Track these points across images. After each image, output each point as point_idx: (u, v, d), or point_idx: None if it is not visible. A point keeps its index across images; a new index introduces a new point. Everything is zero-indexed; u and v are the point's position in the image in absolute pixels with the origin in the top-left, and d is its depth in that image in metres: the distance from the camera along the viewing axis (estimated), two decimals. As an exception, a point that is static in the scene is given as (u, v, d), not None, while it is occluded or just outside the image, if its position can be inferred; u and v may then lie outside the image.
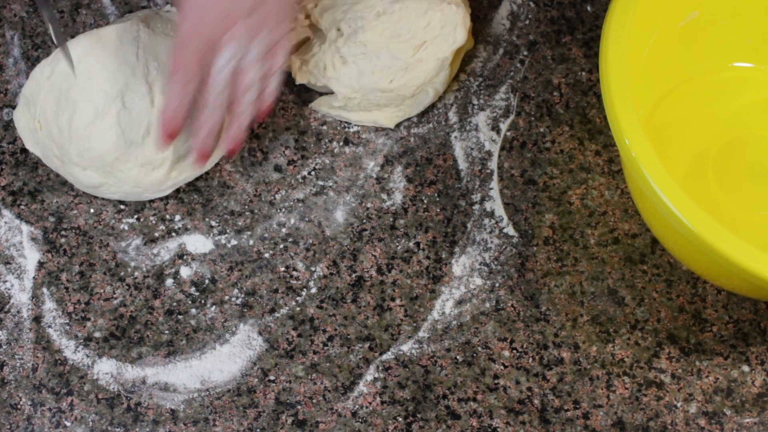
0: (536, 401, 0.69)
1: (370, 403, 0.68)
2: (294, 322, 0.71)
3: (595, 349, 0.71)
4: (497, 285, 0.72)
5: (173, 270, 0.72)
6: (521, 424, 0.68)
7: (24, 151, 0.75)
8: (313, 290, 0.72)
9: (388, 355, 0.70)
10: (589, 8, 0.83)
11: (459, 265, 0.73)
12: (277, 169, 0.76)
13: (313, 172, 0.76)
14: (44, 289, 0.71)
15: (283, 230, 0.74)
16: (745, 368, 0.70)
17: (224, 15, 0.63)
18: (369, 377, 0.69)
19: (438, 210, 0.75)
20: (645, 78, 0.71)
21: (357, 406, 0.68)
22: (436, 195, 0.75)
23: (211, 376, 0.69)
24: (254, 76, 0.67)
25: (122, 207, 0.74)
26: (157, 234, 0.73)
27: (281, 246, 0.73)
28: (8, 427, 0.67)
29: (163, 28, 0.73)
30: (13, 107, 0.77)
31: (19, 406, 0.68)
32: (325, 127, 0.77)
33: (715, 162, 0.75)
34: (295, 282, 0.72)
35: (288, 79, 0.77)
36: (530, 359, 0.70)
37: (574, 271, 0.73)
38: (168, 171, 0.72)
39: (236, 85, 0.66)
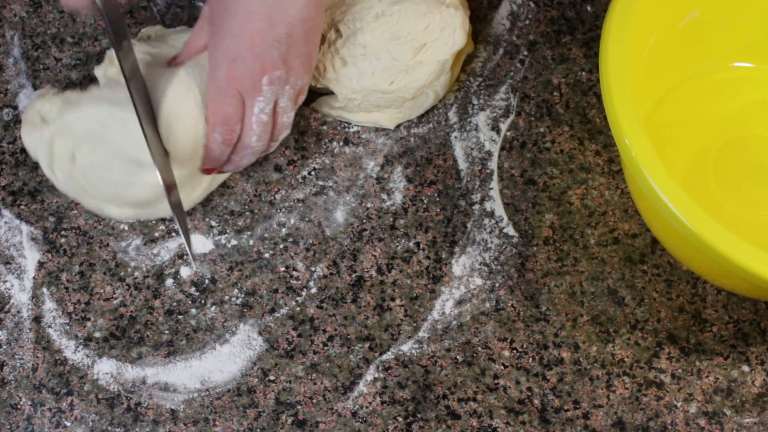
0: (536, 401, 0.69)
1: (370, 403, 0.68)
2: (294, 322, 0.71)
3: (595, 349, 0.71)
4: (497, 285, 0.72)
5: (173, 270, 0.72)
6: (521, 424, 0.68)
7: (24, 151, 0.75)
8: (313, 290, 0.72)
9: (388, 355, 0.70)
10: (589, 8, 0.83)
11: (459, 265, 0.73)
12: (277, 169, 0.76)
13: (313, 172, 0.76)
14: (44, 289, 0.71)
15: (283, 230, 0.74)
16: (745, 368, 0.70)
17: (259, 63, 0.66)
18: (369, 377, 0.69)
19: (438, 210, 0.75)
20: (645, 78, 0.71)
21: (357, 406, 0.68)
22: (436, 195, 0.75)
23: (211, 376, 0.69)
24: (289, 120, 0.71)
25: (122, 207, 0.74)
26: (157, 234, 0.73)
27: (281, 246, 0.73)
28: (8, 427, 0.67)
29: (206, 63, 0.71)
30: (14, 107, 0.77)
31: (19, 406, 0.68)
32: (325, 127, 0.77)
33: (715, 162, 0.75)
34: (295, 282, 0.72)
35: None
36: (530, 359, 0.70)
37: (574, 271, 0.73)
38: (205, 189, 0.72)
39: (274, 130, 0.70)
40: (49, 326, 0.70)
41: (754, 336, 0.71)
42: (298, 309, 0.71)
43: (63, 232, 0.73)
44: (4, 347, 0.69)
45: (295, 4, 0.66)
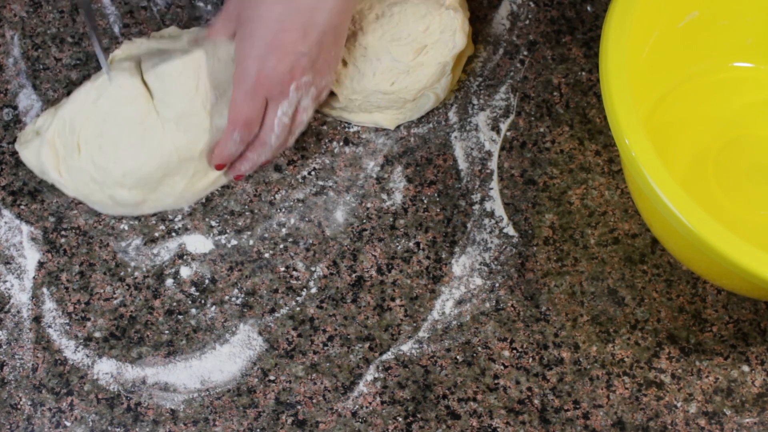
0: (536, 401, 0.69)
1: (370, 403, 0.68)
2: (294, 322, 0.71)
3: (595, 349, 0.71)
4: (497, 285, 0.72)
5: (173, 270, 0.72)
6: (521, 424, 0.68)
7: (24, 151, 0.75)
8: (313, 290, 0.72)
9: (388, 355, 0.70)
10: (589, 8, 0.83)
11: (459, 265, 0.73)
12: (277, 169, 0.76)
13: (313, 172, 0.76)
14: (44, 289, 0.71)
15: (283, 230, 0.74)
16: (745, 368, 0.70)
17: (289, 72, 0.67)
18: (369, 377, 0.69)
19: (438, 210, 0.75)
20: (645, 78, 0.71)
21: (357, 406, 0.68)
22: (436, 195, 0.75)
23: (211, 376, 0.69)
24: (308, 117, 0.72)
25: (122, 207, 0.74)
26: (157, 234, 0.73)
27: (281, 246, 0.73)
28: (8, 427, 0.67)
29: (226, 58, 0.71)
30: (13, 107, 0.77)
31: (19, 406, 0.68)
32: (325, 127, 0.77)
33: (715, 162, 0.75)
34: (295, 282, 0.72)
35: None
36: (530, 359, 0.70)
37: (574, 271, 0.73)
38: (216, 176, 0.72)
39: (293, 126, 0.71)
40: (49, 326, 0.70)
41: (754, 336, 0.71)
42: (298, 309, 0.71)
43: (63, 232, 0.73)
44: (4, 347, 0.69)
45: (327, 13, 0.66)
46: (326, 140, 0.77)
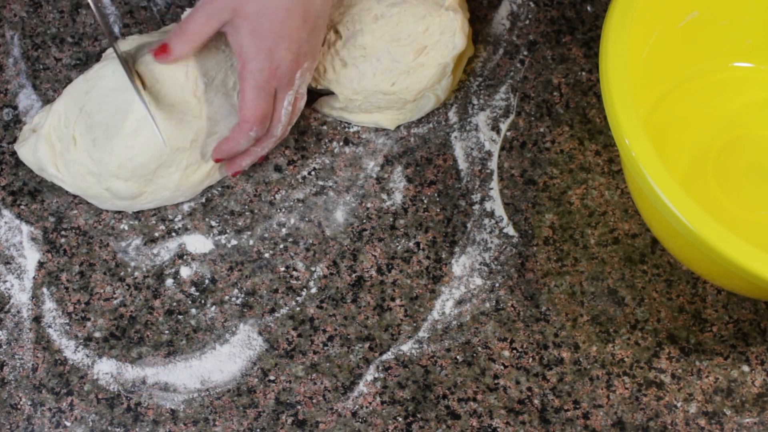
0: (536, 401, 0.69)
1: (370, 403, 0.68)
2: (294, 322, 0.71)
3: (595, 349, 0.71)
4: (497, 285, 0.72)
5: (173, 270, 0.72)
6: (521, 424, 0.68)
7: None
8: (313, 290, 0.72)
9: (388, 355, 0.70)
10: (589, 8, 0.83)
11: (459, 265, 0.73)
12: (277, 169, 0.76)
13: (313, 172, 0.76)
14: (44, 289, 0.71)
15: (283, 230, 0.74)
16: (745, 368, 0.70)
17: (296, 60, 0.68)
18: (369, 377, 0.69)
19: (438, 210, 0.75)
20: (645, 78, 0.71)
21: (357, 406, 0.68)
22: (436, 195, 0.75)
23: (211, 376, 0.69)
24: (304, 104, 0.73)
25: (122, 207, 0.74)
26: (157, 234, 0.73)
27: (281, 246, 0.73)
28: (8, 427, 0.67)
29: (213, 44, 0.71)
30: (13, 107, 0.77)
31: (19, 406, 0.68)
32: (325, 127, 0.77)
33: (715, 162, 0.75)
34: (295, 282, 0.72)
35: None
36: (530, 359, 0.70)
37: (574, 271, 0.73)
38: (210, 168, 0.72)
39: (292, 115, 0.72)
40: (49, 326, 0.70)
41: (754, 336, 0.71)
42: (298, 309, 0.71)
43: (63, 232, 0.73)
44: (4, 347, 0.69)
45: None
46: (326, 140, 0.77)
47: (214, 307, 0.71)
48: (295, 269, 0.73)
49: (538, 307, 0.72)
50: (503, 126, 0.78)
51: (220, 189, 0.75)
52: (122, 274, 0.72)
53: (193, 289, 0.72)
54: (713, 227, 0.58)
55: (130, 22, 0.81)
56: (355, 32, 0.73)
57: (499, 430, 0.68)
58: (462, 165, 0.76)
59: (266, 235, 0.74)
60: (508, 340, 0.71)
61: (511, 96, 0.79)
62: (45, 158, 0.71)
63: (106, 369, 0.69)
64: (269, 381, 0.69)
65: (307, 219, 0.74)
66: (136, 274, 0.72)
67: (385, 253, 0.73)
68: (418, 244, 0.74)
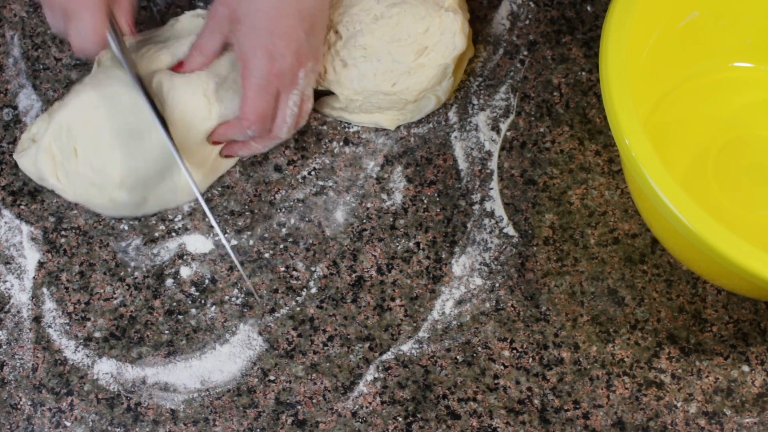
0: (536, 401, 0.69)
1: (370, 403, 0.68)
2: (294, 322, 0.71)
3: (595, 349, 0.71)
4: (497, 285, 0.72)
5: (173, 270, 0.72)
6: (521, 424, 0.68)
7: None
8: (313, 290, 0.72)
9: (388, 355, 0.70)
10: (589, 8, 0.83)
11: (459, 265, 0.73)
12: (277, 169, 0.76)
13: (313, 172, 0.76)
14: (44, 289, 0.71)
15: (283, 230, 0.74)
16: (745, 368, 0.70)
17: (296, 58, 0.68)
18: (369, 377, 0.69)
19: (438, 210, 0.75)
20: (645, 78, 0.71)
21: (357, 406, 0.68)
22: (436, 195, 0.75)
23: (211, 376, 0.69)
24: (311, 106, 0.73)
25: (122, 207, 0.74)
26: (157, 234, 0.73)
27: (281, 246, 0.73)
28: (8, 427, 0.67)
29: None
30: (13, 107, 0.77)
31: (19, 406, 0.68)
32: (325, 127, 0.77)
33: (715, 162, 0.75)
34: (295, 282, 0.72)
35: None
36: (530, 359, 0.70)
37: (574, 271, 0.73)
38: (213, 162, 0.73)
39: (299, 117, 0.72)
40: (49, 326, 0.70)
41: (754, 336, 0.71)
42: (298, 309, 0.71)
43: (63, 232, 0.73)
44: (4, 347, 0.69)
45: None
46: (326, 140, 0.77)
47: (214, 307, 0.71)
48: (295, 269, 0.73)
49: (538, 307, 0.72)
50: (503, 126, 0.78)
51: (220, 189, 0.75)
52: (122, 274, 0.72)
53: (193, 289, 0.72)
54: (713, 227, 0.58)
55: (130, 22, 0.81)
56: (355, 32, 0.73)
57: (499, 430, 0.68)
58: (462, 165, 0.76)
59: (266, 235, 0.74)
60: (508, 340, 0.71)
61: (511, 96, 0.79)
62: (45, 169, 0.70)
63: (106, 369, 0.69)
64: (269, 381, 0.69)
65: (307, 219, 0.74)
66: (136, 274, 0.72)
67: (385, 253, 0.73)
68: (418, 244, 0.74)
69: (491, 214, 0.75)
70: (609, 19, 0.65)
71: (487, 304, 0.72)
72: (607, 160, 0.77)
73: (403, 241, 0.74)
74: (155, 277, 0.72)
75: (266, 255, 0.73)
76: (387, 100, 0.75)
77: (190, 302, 0.71)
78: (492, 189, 0.76)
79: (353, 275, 0.72)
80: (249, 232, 0.74)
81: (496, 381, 0.69)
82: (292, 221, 0.74)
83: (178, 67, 0.71)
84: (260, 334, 0.70)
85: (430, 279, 0.72)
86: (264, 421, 0.68)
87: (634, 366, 0.70)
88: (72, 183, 0.70)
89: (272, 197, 0.75)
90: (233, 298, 0.71)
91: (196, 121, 0.70)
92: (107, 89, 0.69)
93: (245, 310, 0.71)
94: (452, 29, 0.74)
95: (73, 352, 0.69)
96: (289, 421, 0.68)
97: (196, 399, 0.68)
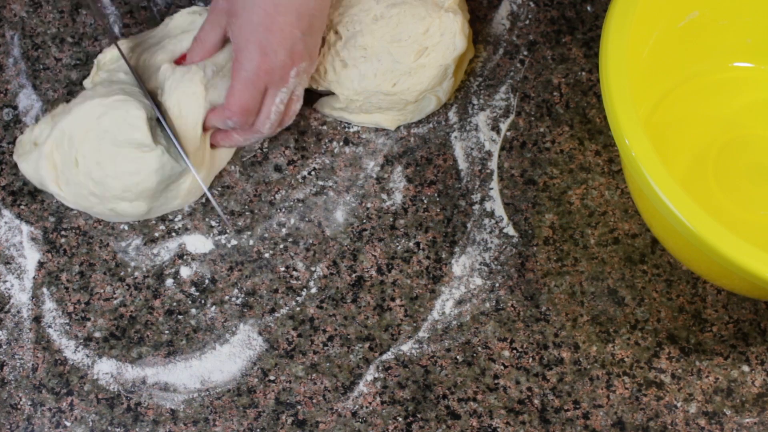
0: (536, 401, 0.69)
1: (370, 403, 0.68)
2: (294, 322, 0.71)
3: (595, 349, 0.71)
4: (497, 285, 0.72)
5: (173, 270, 0.72)
6: (521, 424, 0.68)
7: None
8: (313, 290, 0.72)
9: (388, 355, 0.70)
10: (589, 8, 0.83)
11: (459, 265, 0.73)
12: (277, 169, 0.76)
13: (313, 172, 0.76)
14: (44, 289, 0.71)
15: (283, 230, 0.74)
16: (745, 368, 0.70)
17: (290, 56, 0.68)
18: (369, 377, 0.69)
19: (438, 210, 0.75)
20: (645, 78, 0.71)
21: (357, 406, 0.68)
22: (436, 195, 0.75)
23: (211, 376, 0.69)
24: (299, 107, 0.73)
25: (122, 207, 0.74)
26: (157, 234, 0.73)
27: (281, 246, 0.73)
28: (8, 427, 0.67)
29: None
30: (14, 107, 0.77)
31: (19, 406, 0.68)
32: (325, 127, 0.77)
33: (715, 162, 0.75)
34: (295, 282, 0.72)
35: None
36: (530, 359, 0.70)
37: (574, 271, 0.73)
38: (210, 154, 0.73)
39: (285, 116, 0.72)
40: (49, 326, 0.70)
41: (754, 336, 0.71)
42: (298, 309, 0.71)
43: (63, 232, 0.73)
44: (4, 347, 0.69)
45: None
46: (326, 140, 0.77)
47: (214, 307, 0.71)
48: (295, 269, 0.73)
49: (538, 307, 0.72)
50: (503, 126, 0.78)
51: (220, 189, 0.75)
52: (122, 274, 0.72)
53: (193, 289, 0.72)
54: (713, 227, 0.58)
55: (130, 22, 0.81)
56: (355, 33, 0.73)
57: (499, 430, 0.68)
58: (462, 165, 0.76)
59: (266, 235, 0.74)
60: (508, 340, 0.71)
61: (511, 96, 0.79)
62: (47, 176, 0.70)
63: (106, 369, 0.69)
64: (269, 381, 0.69)
65: (307, 219, 0.74)
66: (136, 274, 0.72)
67: (385, 253, 0.73)
68: (418, 244, 0.74)
69: (491, 214, 0.75)
70: (609, 19, 0.65)
71: (487, 304, 0.72)
72: (607, 160, 0.77)
73: (403, 241, 0.74)
74: (155, 277, 0.72)
75: (266, 255, 0.73)
76: (387, 101, 0.75)
77: (190, 302, 0.71)
78: (492, 189, 0.76)
79: (353, 275, 0.72)
80: (249, 232, 0.74)
81: (496, 381, 0.69)
82: (292, 221, 0.74)
83: (180, 60, 0.72)
84: (260, 334, 0.70)
85: (430, 279, 0.72)
86: (264, 421, 0.68)
87: (634, 366, 0.70)
88: (72, 192, 0.70)
89: (272, 197, 0.75)
90: (233, 298, 0.71)
91: (192, 108, 0.70)
92: (112, 100, 0.69)
93: (245, 310, 0.71)
94: (452, 30, 0.74)
95: (73, 352, 0.69)
96: (289, 421, 0.68)
97: (196, 399, 0.68)
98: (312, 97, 0.78)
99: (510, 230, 0.74)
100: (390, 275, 0.72)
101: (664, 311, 0.72)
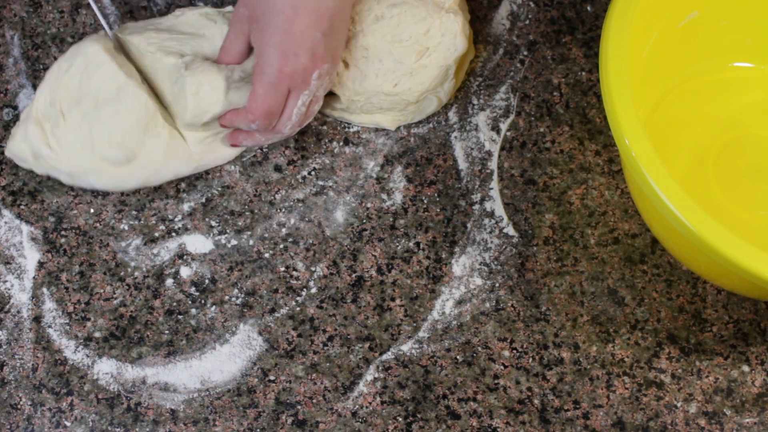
0: (536, 401, 0.69)
1: (370, 403, 0.68)
2: (294, 322, 0.71)
3: (595, 349, 0.71)
4: (497, 285, 0.72)
5: (173, 270, 0.72)
6: (521, 424, 0.68)
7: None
8: (313, 290, 0.72)
9: (388, 355, 0.70)
10: (589, 8, 0.83)
11: (459, 265, 0.73)
12: (277, 169, 0.76)
13: (313, 172, 0.76)
14: (44, 289, 0.71)
15: (283, 230, 0.74)
16: (745, 368, 0.70)
17: (311, 59, 0.68)
18: (369, 377, 0.69)
19: (438, 210, 0.75)
20: (645, 78, 0.71)
21: (357, 406, 0.68)
22: (436, 195, 0.75)
23: (211, 376, 0.69)
24: (318, 107, 0.73)
25: (123, 207, 0.74)
26: (157, 234, 0.73)
27: (281, 246, 0.73)
28: (8, 427, 0.67)
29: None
30: (14, 107, 0.77)
31: (19, 406, 0.68)
32: (325, 127, 0.77)
33: (715, 162, 0.75)
34: (295, 282, 0.72)
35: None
36: (530, 359, 0.70)
37: (574, 271, 0.73)
38: (203, 141, 0.73)
39: (306, 115, 0.72)
40: (49, 326, 0.70)
41: (754, 336, 0.71)
42: (298, 309, 0.71)
43: (63, 232, 0.73)
44: (4, 347, 0.69)
45: None
46: (326, 140, 0.77)
47: (214, 307, 0.71)
48: (295, 269, 0.73)
49: (538, 307, 0.72)
50: (503, 126, 0.78)
51: (220, 189, 0.75)
52: (122, 274, 0.72)
53: (193, 289, 0.72)
54: (713, 227, 0.58)
55: (130, 22, 0.81)
56: (356, 33, 0.73)
57: (499, 430, 0.68)
58: (462, 165, 0.76)
59: (266, 235, 0.74)
60: (508, 340, 0.71)
61: (511, 96, 0.79)
62: (37, 140, 0.71)
63: (106, 369, 0.69)
64: (269, 381, 0.69)
65: (307, 219, 0.74)
66: (136, 274, 0.72)
67: (385, 253, 0.73)
68: (418, 244, 0.74)
69: (491, 214, 0.75)
70: (609, 19, 0.65)
71: (487, 304, 0.72)
72: (607, 160, 0.77)
73: (403, 241, 0.74)
74: (155, 277, 0.72)
75: (266, 255, 0.73)
76: (388, 101, 0.75)
77: (190, 302, 0.71)
78: (492, 189, 0.76)
79: (353, 275, 0.72)
80: (249, 232, 0.74)
81: (496, 381, 0.69)
82: (292, 221, 0.74)
83: None
84: (260, 334, 0.70)
85: (430, 279, 0.72)
86: (264, 421, 0.68)
87: (634, 366, 0.70)
88: (64, 149, 0.71)
89: (272, 197, 0.75)
90: (233, 298, 0.71)
91: (208, 91, 0.70)
92: (75, 50, 0.71)
93: (245, 310, 0.71)
94: (453, 30, 0.74)
95: (73, 352, 0.69)
96: (289, 421, 0.68)
97: (196, 399, 0.68)
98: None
99: (510, 230, 0.74)
100: (390, 275, 0.72)
101: (664, 311, 0.72)
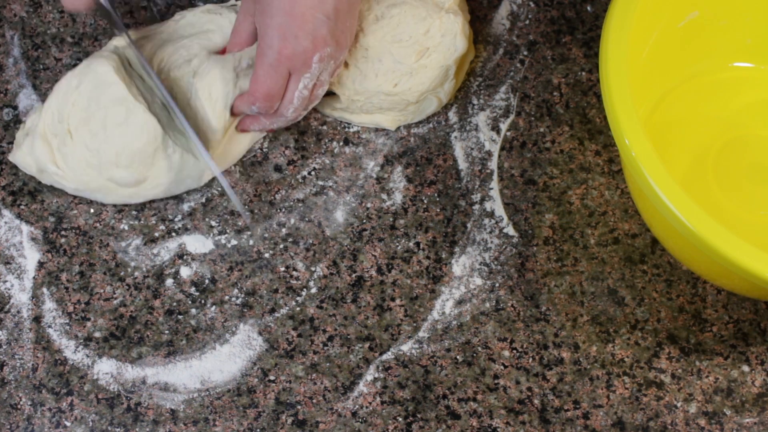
0: (536, 401, 0.69)
1: (370, 403, 0.68)
2: (294, 322, 0.71)
3: (595, 349, 0.71)
4: (497, 285, 0.72)
5: (173, 270, 0.72)
6: (521, 424, 0.68)
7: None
8: (313, 290, 0.72)
9: (388, 355, 0.70)
10: (589, 8, 0.83)
11: (459, 265, 0.73)
12: (277, 169, 0.76)
13: (313, 172, 0.76)
14: (44, 289, 0.71)
15: (283, 230, 0.74)
16: (745, 368, 0.70)
17: (311, 41, 0.67)
18: (369, 377, 0.69)
19: (438, 210, 0.75)
20: (645, 78, 0.71)
21: (357, 406, 0.68)
22: (436, 195, 0.75)
23: (211, 376, 0.69)
24: (323, 92, 0.73)
25: (123, 207, 0.74)
26: (157, 234, 0.73)
27: (281, 246, 0.73)
28: (8, 427, 0.67)
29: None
30: (14, 107, 0.77)
31: (19, 406, 0.68)
32: (325, 127, 0.77)
33: (715, 162, 0.75)
34: (295, 282, 0.72)
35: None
36: (530, 359, 0.70)
37: (574, 271, 0.73)
38: (222, 138, 0.73)
39: (309, 101, 0.72)
40: (49, 326, 0.70)
41: (754, 336, 0.71)
42: (298, 309, 0.71)
43: (63, 232, 0.73)
44: (4, 347, 0.69)
45: None
46: (326, 140, 0.77)
47: (214, 307, 0.71)
48: (295, 269, 0.73)
49: (538, 307, 0.72)
50: (503, 126, 0.78)
51: (220, 189, 0.75)
52: (122, 274, 0.72)
53: (193, 289, 0.72)
54: (713, 227, 0.58)
55: (130, 22, 0.81)
56: (356, 32, 0.73)
57: (499, 430, 0.68)
58: (462, 165, 0.76)
59: (266, 235, 0.74)
60: (508, 340, 0.71)
61: (511, 96, 0.79)
62: (43, 156, 0.71)
63: (106, 369, 0.69)
64: (269, 381, 0.69)
65: (307, 219, 0.74)
66: (136, 274, 0.72)
67: (385, 253, 0.73)
68: (418, 244, 0.74)
69: (491, 214, 0.75)
70: (609, 19, 0.65)
71: (487, 304, 0.72)
72: (607, 160, 0.77)
73: (403, 241, 0.74)
74: (155, 277, 0.72)
75: (266, 255, 0.73)
76: (389, 101, 0.75)
77: (190, 302, 0.71)
78: (492, 189, 0.76)
79: (353, 275, 0.72)
80: (249, 232, 0.74)
81: (496, 381, 0.69)
82: (292, 221, 0.74)
83: (221, 53, 0.74)
84: (260, 334, 0.70)
85: (430, 279, 0.72)
86: (264, 421, 0.68)
87: (634, 366, 0.70)
88: (70, 167, 0.71)
89: (272, 197, 0.75)
90: (233, 298, 0.71)
91: (221, 91, 0.71)
92: (86, 68, 0.71)
93: (245, 310, 0.71)
94: (453, 31, 0.74)
95: (73, 352, 0.69)
96: (289, 421, 0.68)
97: (196, 399, 0.68)
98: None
99: (510, 230, 0.74)
100: (390, 275, 0.72)
101: (664, 311, 0.72)
